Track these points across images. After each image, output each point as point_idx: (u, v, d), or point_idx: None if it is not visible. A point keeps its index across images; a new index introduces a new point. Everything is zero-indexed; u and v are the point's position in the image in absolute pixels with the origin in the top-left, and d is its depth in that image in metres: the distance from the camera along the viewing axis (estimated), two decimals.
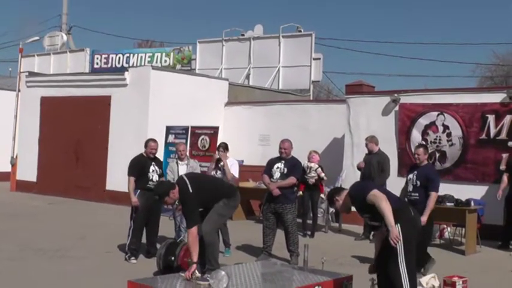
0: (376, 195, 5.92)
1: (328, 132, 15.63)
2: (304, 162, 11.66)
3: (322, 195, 12.79)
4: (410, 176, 9.04)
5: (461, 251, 10.96)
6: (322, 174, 12.44)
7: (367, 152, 11.90)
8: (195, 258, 6.84)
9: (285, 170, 9.40)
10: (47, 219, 13.82)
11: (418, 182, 8.85)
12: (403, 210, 6.10)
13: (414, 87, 17.04)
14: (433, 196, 8.76)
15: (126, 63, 25.23)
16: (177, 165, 10.02)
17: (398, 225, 5.86)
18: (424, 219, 8.12)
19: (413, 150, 13.21)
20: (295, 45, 21.95)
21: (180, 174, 9.95)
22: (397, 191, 8.80)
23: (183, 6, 71.70)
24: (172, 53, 24.87)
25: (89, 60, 26.36)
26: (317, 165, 12.43)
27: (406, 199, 8.77)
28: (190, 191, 7.08)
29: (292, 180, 9.37)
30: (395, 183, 10.70)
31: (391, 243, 5.82)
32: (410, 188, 8.92)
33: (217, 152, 10.59)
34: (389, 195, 6.14)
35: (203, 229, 7.12)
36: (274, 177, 9.42)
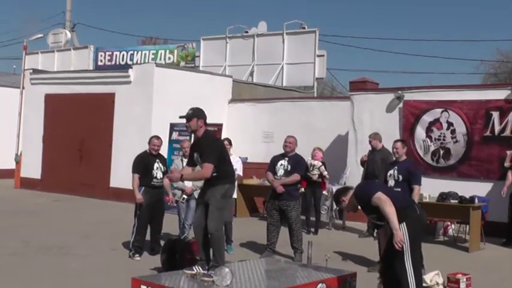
0: (380, 198, 5.95)
1: (332, 129, 15.61)
2: (307, 159, 11.66)
3: (324, 192, 12.79)
4: (391, 171, 8.97)
5: (465, 248, 10.95)
6: (325, 173, 12.45)
7: (370, 148, 11.88)
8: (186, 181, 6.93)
9: (289, 167, 9.40)
10: (51, 216, 13.85)
11: (400, 177, 8.80)
12: (409, 208, 6.12)
13: (418, 84, 17.06)
14: (417, 190, 8.74)
15: (130, 60, 25.24)
16: (182, 162, 10.01)
17: (404, 224, 5.87)
18: None
19: (417, 147, 13.31)
20: (299, 42, 21.92)
21: None
22: None
23: (186, 3, 71.73)
24: (176, 50, 24.86)
25: (92, 58, 26.38)
26: (320, 163, 12.43)
27: None
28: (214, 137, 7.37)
29: (296, 177, 9.37)
30: None
31: (395, 246, 5.84)
32: (392, 183, 8.81)
33: None
34: (394, 195, 6.16)
35: (210, 228, 7.03)
36: (278, 175, 9.42)
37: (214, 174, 7.06)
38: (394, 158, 9.38)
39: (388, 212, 5.86)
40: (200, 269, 6.68)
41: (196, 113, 7.21)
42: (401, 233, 5.85)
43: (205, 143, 7.10)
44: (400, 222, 5.86)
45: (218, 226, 7.03)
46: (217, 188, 7.11)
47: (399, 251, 5.88)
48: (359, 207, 6.36)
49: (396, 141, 9.39)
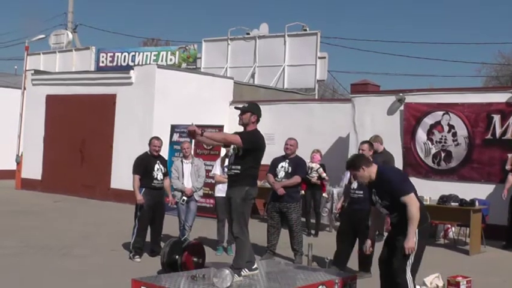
0: (412, 199, 5.87)
1: (333, 132, 15.61)
2: (306, 161, 11.64)
3: (324, 195, 12.78)
4: None
5: (466, 251, 10.94)
6: (324, 174, 12.44)
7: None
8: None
9: (290, 169, 9.40)
10: (52, 217, 13.85)
11: None
12: (423, 216, 6.02)
13: (419, 86, 17.01)
14: None
15: (132, 61, 25.24)
16: (182, 164, 10.02)
17: (417, 231, 5.84)
18: None
19: (418, 149, 13.30)
20: (300, 44, 21.92)
21: (185, 173, 9.98)
22: None
23: (188, 5, 71.82)
24: (177, 52, 24.87)
25: (94, 59, 26.37)
26: (318, 165, 12.43)
27: (350, 197, 8.65)
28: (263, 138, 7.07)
29: (296, 179, 9.37)
30: None
31: (404, 250, 5.83)
32: (355, 185, 8.58)
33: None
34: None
35: (234, 232, 6.90)
36: (279, 177, 9.42)
37: (238, 171, 6.92)
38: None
39: (416, 217, 5.80)
40: (246, 270, 6.72)
41: (252, 108, 7.09)
42: (414, 241, 5.82)
43: (251, 134, 6.99)
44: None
45: (241, 230, 6.86)
46: (238, 188, 6.91)
47: (403, 256, 5.86)
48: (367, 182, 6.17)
49: (363, 142, 9.25)
